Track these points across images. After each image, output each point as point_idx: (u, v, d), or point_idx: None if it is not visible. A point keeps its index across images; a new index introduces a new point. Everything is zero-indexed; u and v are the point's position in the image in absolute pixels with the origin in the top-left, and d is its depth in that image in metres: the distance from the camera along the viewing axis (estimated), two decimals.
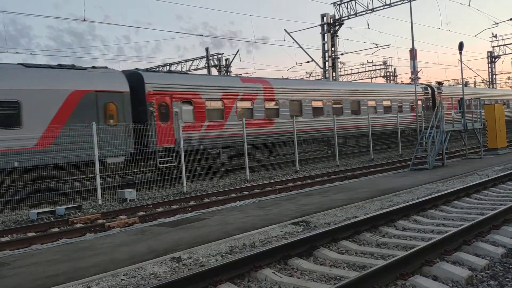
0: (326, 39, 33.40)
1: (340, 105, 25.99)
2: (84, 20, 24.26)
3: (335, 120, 22.82)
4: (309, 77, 51.73)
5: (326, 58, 33.52)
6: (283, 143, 22.32)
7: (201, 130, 19.15)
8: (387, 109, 29.12)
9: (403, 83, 37.08)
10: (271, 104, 22.38)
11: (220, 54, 46.25)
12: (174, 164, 17.73)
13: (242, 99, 20.90)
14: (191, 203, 13.38)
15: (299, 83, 26.37)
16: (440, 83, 37.87)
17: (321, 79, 35.30)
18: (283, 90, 23.00)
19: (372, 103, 28.23)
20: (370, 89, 29.10)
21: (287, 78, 32.60)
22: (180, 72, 30.06)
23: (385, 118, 28.59)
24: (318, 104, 24.80)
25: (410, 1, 27.63)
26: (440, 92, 33.75)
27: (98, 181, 14.16)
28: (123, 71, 17.97)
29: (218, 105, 20.00)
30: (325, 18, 33.25)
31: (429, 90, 33.57)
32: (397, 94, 30.37)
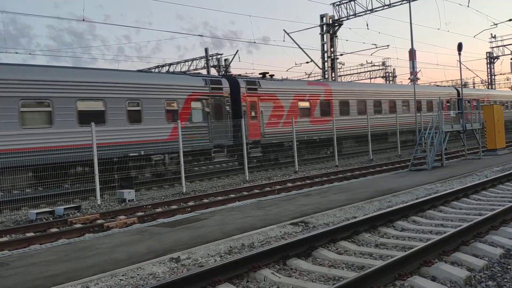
0: (325, 40, 33.44)
1: None
2: (84, 20, 24.26)
3: None
4: (308, 77, 51.68)
5: (326, 59, 33.58)
6: None
7: None
8: (98, 118, 16.16)
9: (160, 73, 21.50)
10: None
11: (219, 54, 46.28)
12: None
13: None
14: (190, 203, 13.39)
15: None
16: (267, 75, 23.50)
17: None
18: None
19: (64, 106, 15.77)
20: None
21: None
22: None
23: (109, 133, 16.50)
24: None
25: (409, 2, 27.66)
26: (256, 90, 21.86)
27: (97, 181, 14.16)
28: None
29: None
30: (324, 18, 33.31)
31: (225, 86, 20.76)
32: (130, 90, 17.36)
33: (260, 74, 23.58)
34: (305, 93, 24.27)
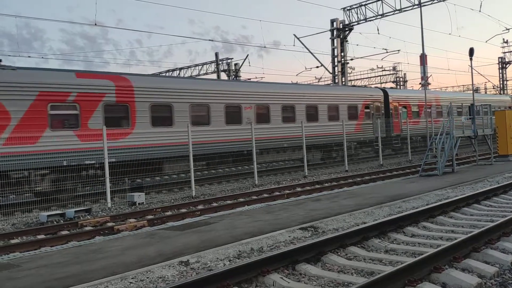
0: (335, 44, 33.40)
1: None
2: (96, 24, 24.51)
3: None
4: (318, 82, 51.59)
5: (336, 63, 33.51)
6: None
7: None
8: None
9: None
10: None
11: (229, 59, 46.42)
12: None
13: None
14: (200, 207, 13.42)
15: None
16: None
17: None
18: None
19: None
20: None
21: None
22: None
23: None
24: None
25: (420, 7, 27.56)
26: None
27: (108, 184, 14.25)
28: None
29: None
30: (334, 23, 33.27)
31: None
32: None
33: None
34: (67, 90, 15.22)
